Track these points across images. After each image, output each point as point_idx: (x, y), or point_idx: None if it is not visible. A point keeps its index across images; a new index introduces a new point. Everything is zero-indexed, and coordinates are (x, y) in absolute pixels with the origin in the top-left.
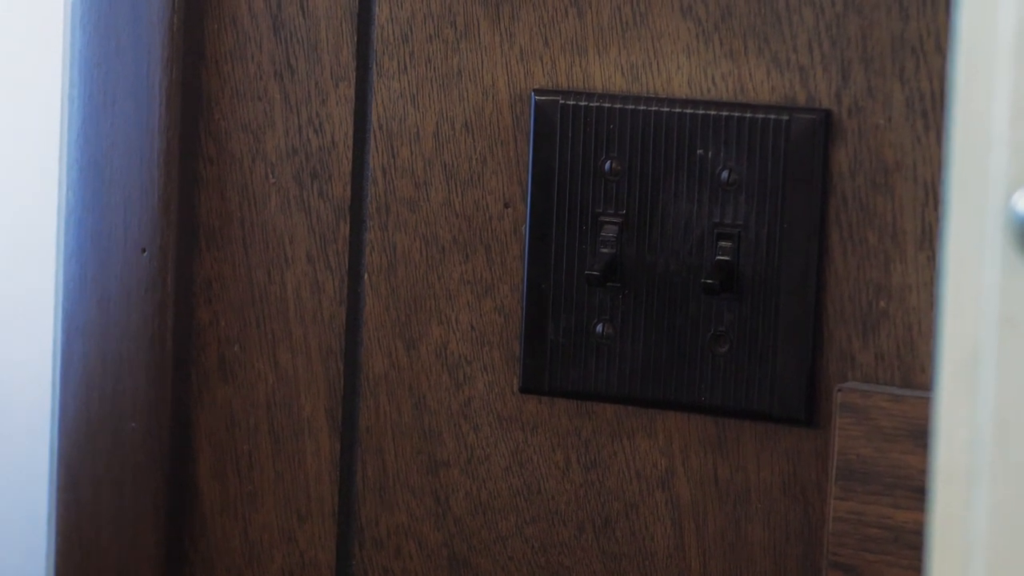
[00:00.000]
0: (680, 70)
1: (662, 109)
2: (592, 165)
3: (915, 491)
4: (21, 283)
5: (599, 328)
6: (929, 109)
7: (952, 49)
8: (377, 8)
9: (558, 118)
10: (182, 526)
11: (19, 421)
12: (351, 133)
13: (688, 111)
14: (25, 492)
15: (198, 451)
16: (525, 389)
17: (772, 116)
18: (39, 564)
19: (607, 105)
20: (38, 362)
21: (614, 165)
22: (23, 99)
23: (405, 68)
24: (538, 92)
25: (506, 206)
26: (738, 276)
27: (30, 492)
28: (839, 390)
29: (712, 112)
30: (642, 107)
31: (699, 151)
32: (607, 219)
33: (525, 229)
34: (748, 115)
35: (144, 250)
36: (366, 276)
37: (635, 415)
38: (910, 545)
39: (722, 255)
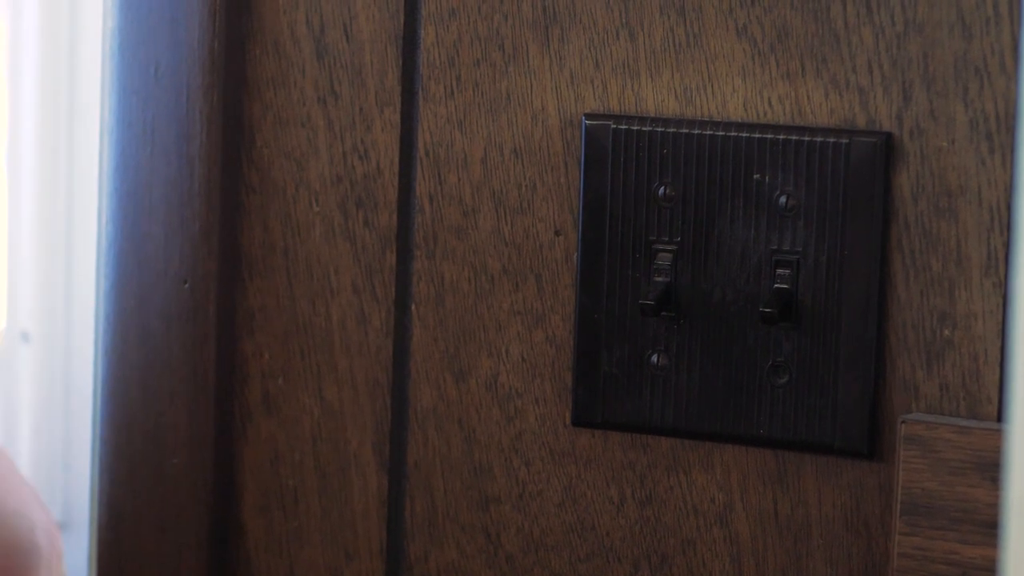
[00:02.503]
0: (735, 93)
1: (717, 133)
2: (645, 191)
3: (982, 526)
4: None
5: (653, 359)
6: (994, 131)
7: (1019, 69)
8: (423, 31)
9: (610, 143)
10: (226, 564)
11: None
12: (397, 160)
13: (744, 135)
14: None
15: (242, 487)
16: (577, 422)
17: (831, 139)
18: None
19: (660, 129)
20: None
21: (668, 191)
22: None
23: (452, 93)
24: (589, 116)
25: (557, 234)
26: (797, 305)
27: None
28: (903, 422)
29: (769, 136)
30: (696, 131)
31: (756, 176)
32: (661, 247)
33: (576, 257)
34: (806, 138)
35: (185, 281)
36: (413, 307)
37: (691, 448)
38: None
39: (780, 283)
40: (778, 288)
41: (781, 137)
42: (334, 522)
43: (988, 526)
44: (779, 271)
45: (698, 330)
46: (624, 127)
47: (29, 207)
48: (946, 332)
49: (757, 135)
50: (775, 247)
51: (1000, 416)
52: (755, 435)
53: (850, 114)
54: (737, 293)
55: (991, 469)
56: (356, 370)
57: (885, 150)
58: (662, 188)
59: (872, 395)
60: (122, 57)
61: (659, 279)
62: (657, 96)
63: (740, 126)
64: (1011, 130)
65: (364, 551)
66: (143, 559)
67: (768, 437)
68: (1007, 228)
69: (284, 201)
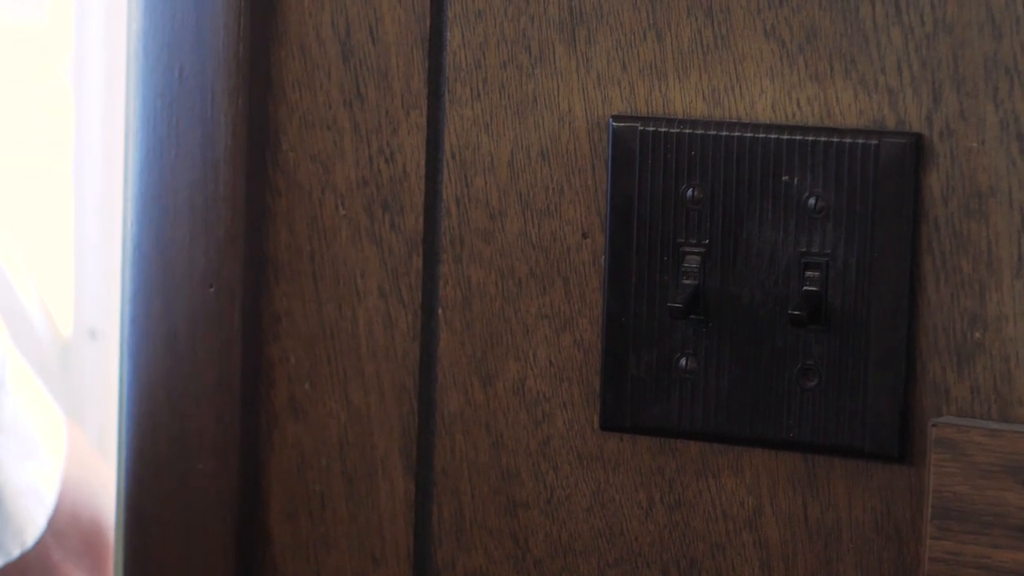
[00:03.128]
0: (764, 94)
1: (745, 134)
2: (673, 193)
3: (1014, 530)
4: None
5: (682, 362)
6: None
7: None
8: (449, 33)
9: (637, 145)
10: (252, 570)
11: None
12: (423, 163)
13: (772, 136)
14: None
15: (268, 492)
16: (606, 426)
17: (860, 140)
18: None
19: (688, 131)
20: None
21: (696, 193)
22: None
23: (478, 95)
24: (616, 118)
25: (584, 236)
26: (826, 307)
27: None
28: (933, 425)
29: (798, 137)
30: (724, 132)
31: (784, 177)
32: (689, 249)
33: (604, 260)
34: (835, 140)
35: (211, 285)
36: (440, 311)
37: (721, 453)
38: None
39: (809, 285)
40: (807, 290)
41: (810, 138)
42: (361, 527)
43: (1020, 530)
44: (808, 273)
45: (727, 333)
46: (652, 129)
47: (94, 205)
48: (977, 334)
49: (786, 136)
50: (804, 249)
51: None
52: (784, 439)
53: (879, 115)
54: (766, 295)
55: (1023, 472)
56: (383, 374)
57: (915, 151)
58: (690, 190)
59: (902, 398)
60: (146, 60)
61: (687, 282)
62: (685, 97)
63: (768, 127)
64: None
65: (391, 556)
66: (169, 566)
67: (797, 441)
68: None
69: (310, 204)
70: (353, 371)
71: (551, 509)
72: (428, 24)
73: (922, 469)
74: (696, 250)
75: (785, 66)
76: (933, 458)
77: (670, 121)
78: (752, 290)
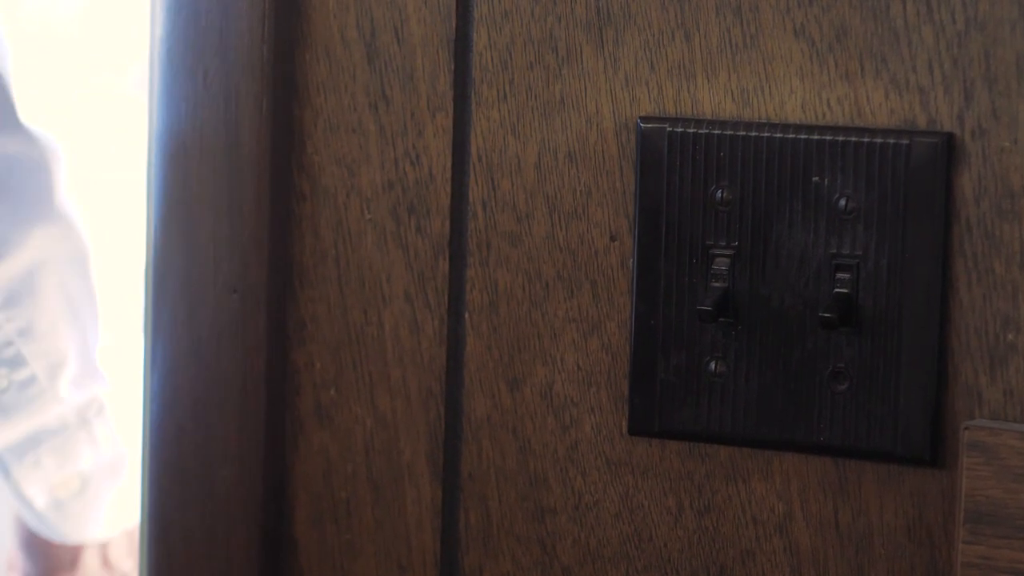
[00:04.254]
0: (793, 94)
1: (775, 135)
2: (702, 195)
3: None
4: None
5: (711, 366)
6: None
7: None
8: (475, 34)
9: (665, 146)
10: None
11: None
12: (449, 165)
13: (802, 136)
14: None
15: (294, 499)
16: (634, 431)
17: (891, 140)
18: None
19: (717, 132)
20: None
21: (725, 195)
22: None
23: (505, 96)
24: (644, 119)
25: (612, 239)
26: (857, 309)
27: None
28: (966, 428)
29: (828, 137)
30: (754, 133)
31: (815, 178)
32: (718, 251)
33: (632, 263)
34: (866, 139)
35: (235, 291)
36: (467, 315)
37: (750, 457)
38: None
39: (840, 287)
40: (838, 292)
41: (840, 139)
42: (387, 534)
43: None
44: (839, 275)
45: (756, 336)
46: (680, 130)
47: None
48: (1010, 336)
49: (816, 137)
50: (834, 251)
51: None
52: (815, 443)
53: (910, 114)
54: (796, 298)
55: None
56: (409, 380)
57: (946, 151)
58: (719, 191)
59: (934, 401)
60: (170, 63)
61: (716, 284)
62: (713, 98)
63: (798, 128)
64: None
65: (418, 564)
66: (193, 573)
67: (828, 445)
68: None
69: (335, 208)
70: (379, 376)
71: (579, 515)
72: (454, 25)
73: (954, 473)
74: (725, 252)
75: (815, 65)
76: (966, 462)
77: (699, 122)
78: (782, 292)
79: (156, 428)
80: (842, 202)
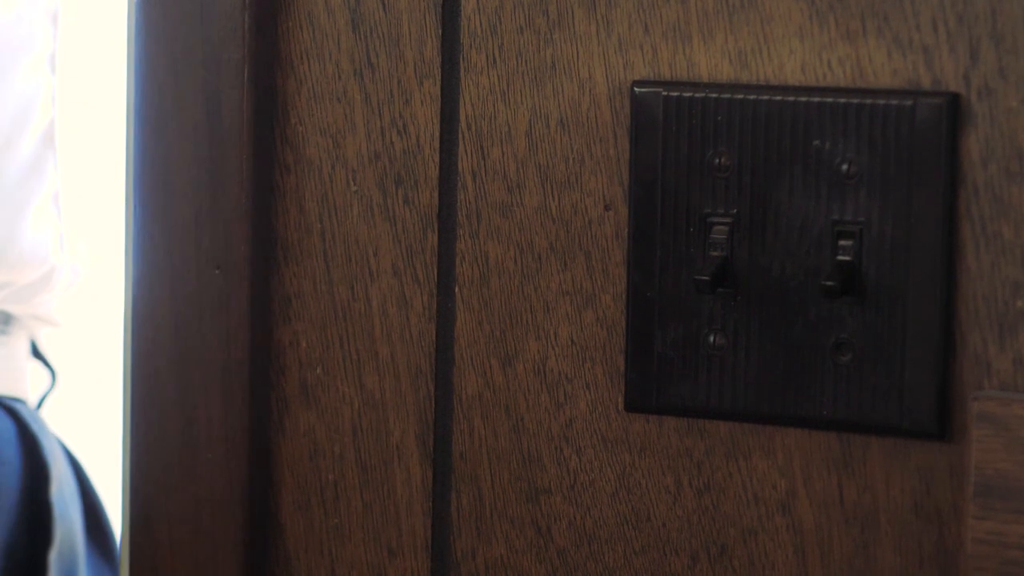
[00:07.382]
0: (793, 55)
1: (774, 98)
2: (699, 161)
3: None
4: None
5: (710, 338)
6: None
7: None
8: None
9: (661, 111)
10: (264, 563)
11: None
12: (437, 134)
13: (803, 99)
14: None
15: (279, 482)
16: (631, 407)
17: (894, 102)
18: None
19: (714, 95)
20: None
21: (723, 160)
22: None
23: (494, 62)
24: (638, 84)
25: (606, 208)
26: (861, 277)
27: None
28: (974, 399)
29: (829, 99)
30: (752, 96)
31: (815, 142)
32: (716, 219)
33: (627, 233)
34: (868, 101)
35: (217, 267)
36: (457, 289)
37: (751, 433)
38: None
39: (843, 255)
40: (840, 260)
41: (842, 101)
42: (376, 518)
43: None
44: (841, 242)
45: (757, 307)
46: (676, 94)
47: None
48: (1019, 303)
49: (816, 99)
50: (837, 217)
51: None
52: (818, 417)
53: (914, 75)
54: (797, 267)
55: None
56: (398, 357)
57: (952, 112)
58: (717, 158)
59: (942, 372)
60: (149, 34)
61: (715, 254)
62: (710, 61)
63: (798, 90)
64: None
65: (408, 547)
66: (176, 559)
67: (832, 419)
68: None
69: (320, 180)
70: (367, 354)
71: (574, 495)
72: None
73: (963, 446)
74: (724, 220)
75: (815, 25)
76: (975, 434)
77: (695, 85)
78: (783, 261)
79: (137, 408)
80: (844, 166)
